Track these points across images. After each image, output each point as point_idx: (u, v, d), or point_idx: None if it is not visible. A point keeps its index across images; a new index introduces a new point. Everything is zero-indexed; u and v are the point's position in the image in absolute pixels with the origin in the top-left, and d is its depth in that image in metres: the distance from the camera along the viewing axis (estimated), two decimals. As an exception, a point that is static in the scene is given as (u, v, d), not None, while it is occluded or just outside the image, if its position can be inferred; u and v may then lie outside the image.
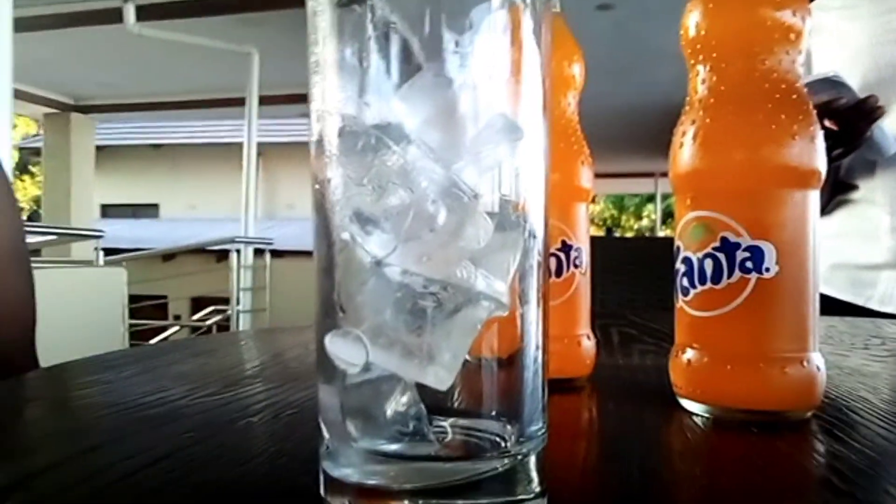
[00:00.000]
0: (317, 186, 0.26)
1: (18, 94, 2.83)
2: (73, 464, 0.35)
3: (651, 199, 17.38)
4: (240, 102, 5.84)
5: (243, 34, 5.11)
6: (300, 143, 10.51)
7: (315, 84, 0.26)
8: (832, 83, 1.08)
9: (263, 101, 5.79)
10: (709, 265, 0.43)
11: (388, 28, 0.25)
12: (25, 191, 13.45)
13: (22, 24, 2.68)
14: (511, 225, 0.27)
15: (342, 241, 0.25)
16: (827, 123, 1.06)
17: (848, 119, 1.07)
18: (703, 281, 0.44)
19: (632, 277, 2.05)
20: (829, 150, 1.18)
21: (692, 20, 0.47)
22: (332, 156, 0.25)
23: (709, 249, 0.43)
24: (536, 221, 0.27)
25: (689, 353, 0.45)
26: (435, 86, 0.25)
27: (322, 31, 0.26)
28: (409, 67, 0.25)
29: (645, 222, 20.21)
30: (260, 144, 6.09)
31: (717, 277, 0.43)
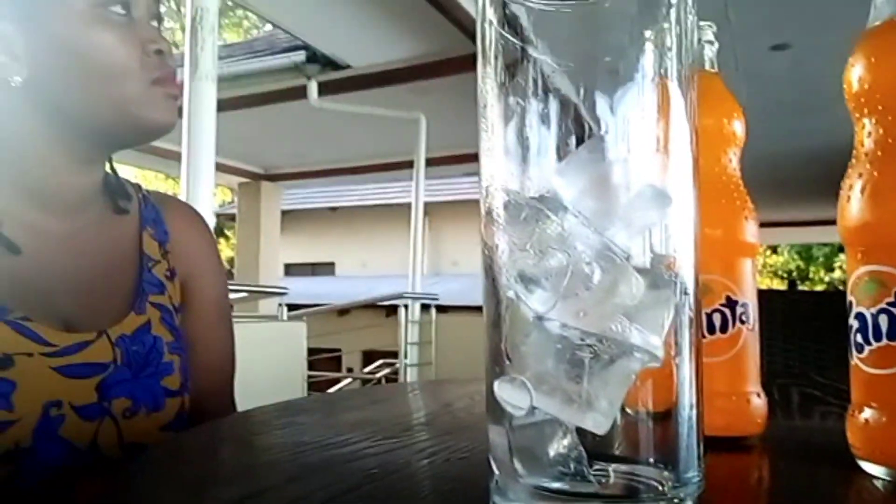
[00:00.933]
0: (486, 251, 0.30)
1: (218, 167, 3.21)
2: (276, 493, 0.41)
3: (843, 249, 15.62)
4: (408, 165, 6.19)
5: (412, 101, 5.44)
6: (465, 202, 10.86)
7: (484, 164, 0.30)
8: None
9: (430, 162, 6.09)
10: (883, 321, 0.42)
11: (546, 110, 0.29)
12: (221, 252, 14.97)
13: (221, 106, 3.05)
14: (663, 283, 0.29)
15: (508, 299, 0.28)
16: None
17: None
18: (878, 337, 0.42)
19: (818, 334, 1.90)
20: None
21: (855, 74, 0.47)
22: (498, 225, 0.29)
23: (883, 304, 0.42)
24: (688, 279, 0.29)
25: (867, 413, 0.44)
26: (589, 161, 0.28)
27: (491, 119, 0.31)
28: (566, 145, 0.29)
29: (837, 274, 18.29)
30: (426, 204, 6.39)
31: (892, 333, 0.41)
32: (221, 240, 15.24)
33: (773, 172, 7.12)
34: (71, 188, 0.70)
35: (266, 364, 3.10)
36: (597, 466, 0.28)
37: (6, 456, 0.57)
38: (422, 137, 5.84)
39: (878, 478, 0.42)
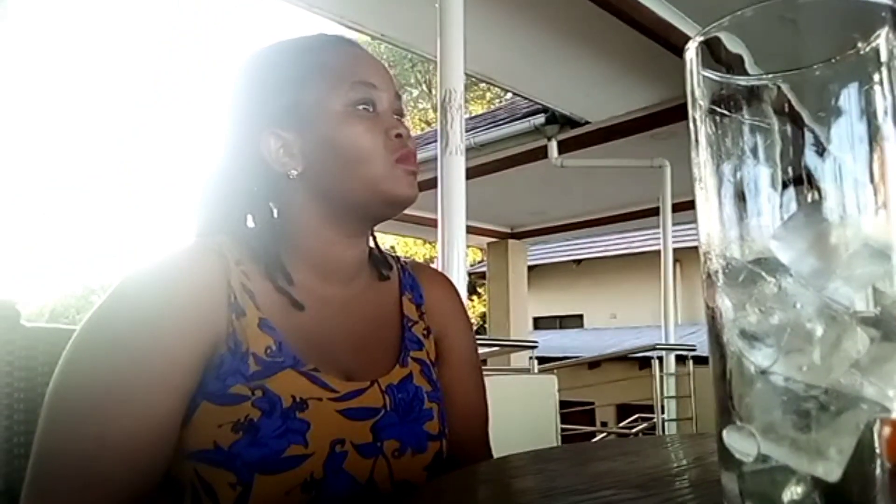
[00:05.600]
0: (708, 310, 0.33)
1: (469, 229, 3.44)
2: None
3: None
4: (654, 213, 6.04)
5: (653, 148, 5.35)
6: (717, 245, 10.21)
7: (703, 232, 0.34)
8: None
9: (676, 207, 5.89)
10: None
11: (757, 173, 0.32)
12: (474, 308, 15.72)
13: (471, 173, 3.28)
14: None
15: (732, 353, 0.31)
16: None
17: None
18: None
19: None
20: None
21: None
22: (719, 287, 0.32)
23: None
24: (925, 330, 0.29)
25: None
26: (806, 225, 0.30)
27: (706, 187, 0.34)
28: (780, 210, 0.31)
29: None
30: (676, 251, 6.15)
31: None
32: (474, 297, 16.01)
33: None
34: (343, 259, 0.84)
35: (519, 416, 3.19)
36: (834, 514, 0.29)
37: (305, 485, 0.70)
38: (667, 183, 5.68)
39: None
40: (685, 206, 6.20)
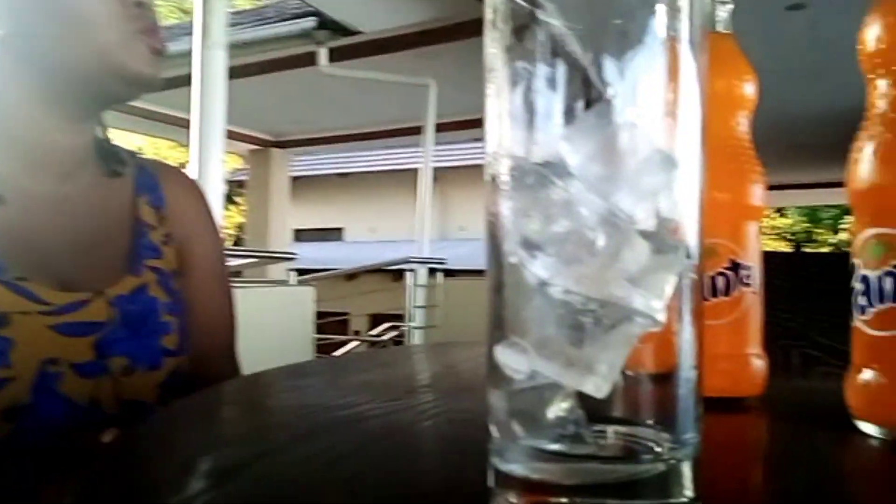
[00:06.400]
0: (490, 217, 0.30)
1: (229, 134, 3.21)
2: (280, 455, 0.42)
3: (850, 211, 15.64)
4: (417, 131, 6.15)
5: (421, 67, 5.38)
6: (473, 167, 10.81)
7: (490, 129, 0.30)
8: None
9: (439, 128, 6.05)
10: (888, 283, 0.42)
11: (554, 74, 0.29)
12: (232, 218, 15.04)
13: (232, 73, 3.03)
14: (667, 248, 0.29)
15: (510, 265, 0.28)
16: None
17: None
18: (881, 299, 0.42)
19: (821, 296, 1.89)
20: None
21: (871, 34, 0.46)
22: (503, 191, 0.29)
23: (888, 267, 0.42)
24: (692, 243, 0.29)
25: (867, 374, 0.44)
26: (596, 126, 0.28)
27: (497, 82, 0.30)
28: (573, 109, 0.29)
29: (842, 236, 18.20)
30: (435, 169, 6.37)
31: (897, 297, 0.41)
32: (232, 206, 15.28)
33: (782, 135, 7.05)
34: (61, 149, 0.70)
35: (275, 328, 3.14)
36: (595, 428, 0.28)
37: (7, 413, 0.59)
38: (431, 103, 5.80)
39: (875, 437, 0.42)
40: (447, 127, 6.41)
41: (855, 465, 0.39)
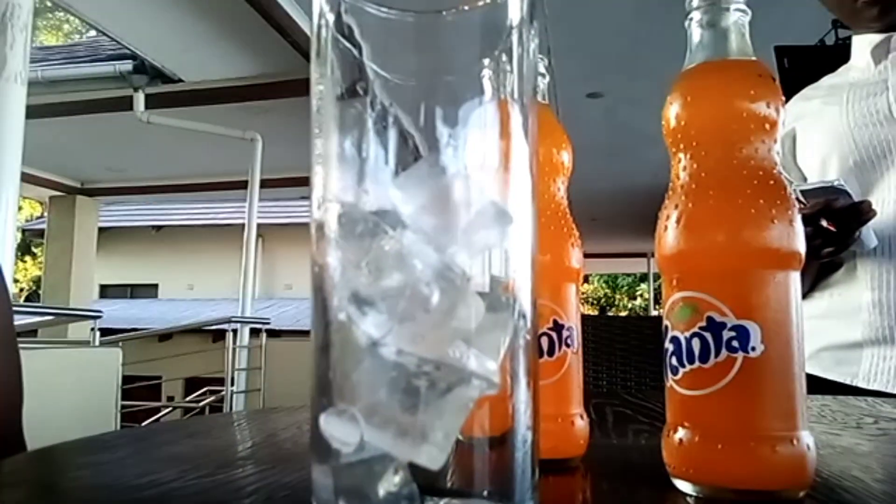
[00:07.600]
0: (316, 269, 0.27)
1: (26, 177, 2.90)
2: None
3: (644, 278, 17.53)
4: (242, 185, 5.95)
5: (247, 121, 5.26)
6: (300, 225, 10.63)
7: (317, 173, 0.28)
8: (835, 190, 1.11)
9: (265, 184, 5.90)
10: (696, 344, 0.44)
11: (385, 121, 0.27)
12: (27, 271, 13.50)
13: (34, 112, 2.76)
14: (501, 306, 0.28)
15: (339, 322, 0.26)
16: (825, 224, 1.09)
17: (843, 220, 1.10)
18: (691, 360, 0.45)
19: (625, 357, 2.03)
20: (820, 248, 1.18)
21: (672, 112, 0.50)
22: (331, 240, 0.27)
23: (696, 329, 0.44)
24: (525, 302, 0.28)
25: (681, 433, 0.46)
26: (430, 175, 0.27)
27: (325, 124, 0.28)
28: (406, 158, 0.27)
29: (638, 301, 20.22)
30: (260, 226, 6.17)
31: (704, 356, 0.44)
32: (28, 258, 13.73)
33: (584, 208, 7.77)
34: None
35: (75, 394, 2.80)
36: (429, 502, 0.26)
37: None
38: (257, 157, 5.66)
39: (690, 495, 0.44)
40: (273, 184, 6.28)
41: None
